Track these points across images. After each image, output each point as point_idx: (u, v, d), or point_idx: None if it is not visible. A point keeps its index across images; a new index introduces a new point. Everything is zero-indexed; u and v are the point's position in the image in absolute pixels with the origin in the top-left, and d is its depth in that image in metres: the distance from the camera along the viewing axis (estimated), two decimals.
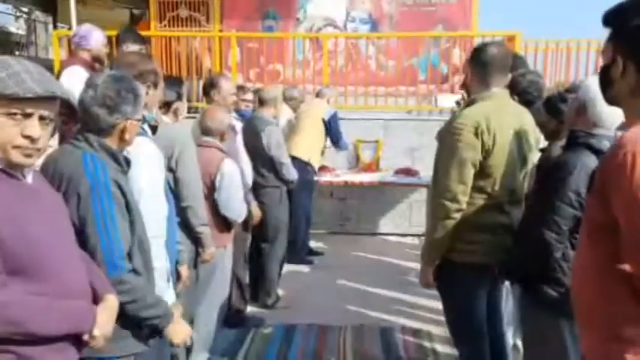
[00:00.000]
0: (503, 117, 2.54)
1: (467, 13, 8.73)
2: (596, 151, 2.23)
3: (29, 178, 1.57)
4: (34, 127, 1.48)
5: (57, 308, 1.50)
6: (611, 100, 1.58)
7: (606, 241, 1.43)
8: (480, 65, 2.59)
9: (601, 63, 1.58)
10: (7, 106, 1.44)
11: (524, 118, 2.68)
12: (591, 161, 2.20)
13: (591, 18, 1.56)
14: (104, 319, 1.66)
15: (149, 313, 1.97)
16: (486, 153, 2.49)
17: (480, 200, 2.54)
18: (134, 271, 1.96)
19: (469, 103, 2.63)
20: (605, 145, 2.22)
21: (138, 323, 1.98)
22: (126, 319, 1.89)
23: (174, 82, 3.46)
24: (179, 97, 3.32)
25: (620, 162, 1.33)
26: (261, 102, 4.69)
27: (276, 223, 4.62)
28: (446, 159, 2.53)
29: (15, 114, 1.46)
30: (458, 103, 3.26)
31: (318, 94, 6.22)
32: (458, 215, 2.51)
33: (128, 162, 2.06)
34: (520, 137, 2.59)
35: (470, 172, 2.49)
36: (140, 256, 2.02)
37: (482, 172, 2.51)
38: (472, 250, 2.58)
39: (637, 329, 1.38)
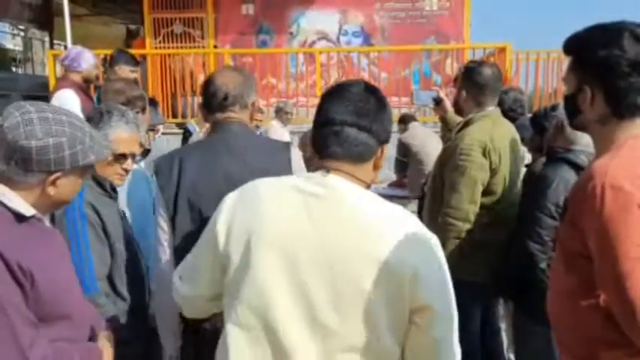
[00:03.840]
0: (502, 135, 2.59)
1: (458, 24, 8.81)
2: (574, 165, 2.30)
3: (47, 221, 1.58)
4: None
5: (77, 357, 1.49)
6: (578, 127, 1.61)
7: (581, 269, 1.46)
8: (476, 87, 2.64)
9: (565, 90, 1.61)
10: (89, 168, 1.61)
11: (515, 135, 2.73)
12: (569, 175, 2.28)
13: (581, 27, 1.58)
14: (108, 357, 1.67)
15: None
16: (493, 171, 2.53)
17: (483, 217, 2.55)
18: (117, 294, 1.96)
19: (467, 123, 2.65)
20: (583, 159, 2.29)
21: None
22: None
23: (150, 103, 3.50)
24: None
25: (590, 193, 1.36)
26: None
27: None
28: (455, 179, 2.54)
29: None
30: (435, 100, 3.27)
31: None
32: (467, 233, 2.53)
33: (114, 189, 2.09)
34: (515, 154, 2.64)
35: (479, 192, 2.52)
36: (126, 280, 2.01)
37: (487, 189, 2.54)
38: (472, 269, 2.58)
39: (612, 352, 1.42)
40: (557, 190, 2.27)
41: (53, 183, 1.44)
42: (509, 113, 3.29)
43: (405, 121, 6.09)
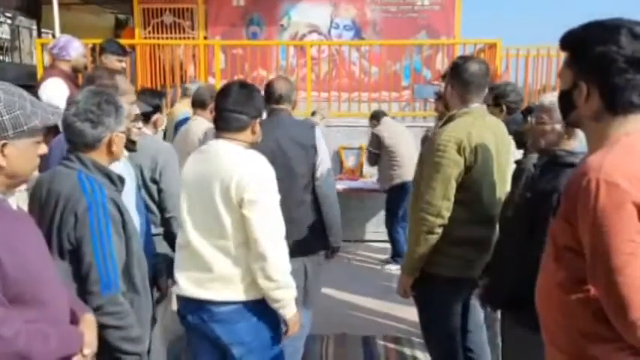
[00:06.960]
0: (483, 132, 2.58)
1: (449, 19, 8.81)
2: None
3: (14, 204, 1.57)
4: (44, 146, 1.58)
5: (53, 335, 1.49)
6: (572, 124, 1.62)
7: (571, 264, 1.47)
8: (461, 83, 2.63)
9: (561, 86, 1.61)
10: (36, 134, 1.52)
11: (501, 131, 2.72)
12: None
13: (571, 24, 1.58)
14: (90, 338, 1.68)
15: (129, 347, 1.88)
16: (467, 168, 2.53)
17: (460, 213, 2.55)
18: (134, 290, 1.97)
19: (449, 118, 2.65)
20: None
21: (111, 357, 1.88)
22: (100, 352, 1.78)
23: (154, 94, 3.48)
24: (159, 109, 3.34)
25: (585, 188, 1.36)
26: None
27: None
28: (430, 175, 2.55)
29: (39, 142, 1.54)
30: (437, 94, 3.30)
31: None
32: (440, 230, 2.54)
33: (122, 180, 2.06)
34: (499, 151, 2.64)
35: (453, 188, 2.52)
36: (139, 274, 2.02)
37: (463, 185, 2.54)
38: (450, 264, 2.60)
39: (601, 346, 1.43)
40: None
41: (2, 152, 1.43)
42: (512, 105, 3.45)
43: (376, 117, 6.28)
